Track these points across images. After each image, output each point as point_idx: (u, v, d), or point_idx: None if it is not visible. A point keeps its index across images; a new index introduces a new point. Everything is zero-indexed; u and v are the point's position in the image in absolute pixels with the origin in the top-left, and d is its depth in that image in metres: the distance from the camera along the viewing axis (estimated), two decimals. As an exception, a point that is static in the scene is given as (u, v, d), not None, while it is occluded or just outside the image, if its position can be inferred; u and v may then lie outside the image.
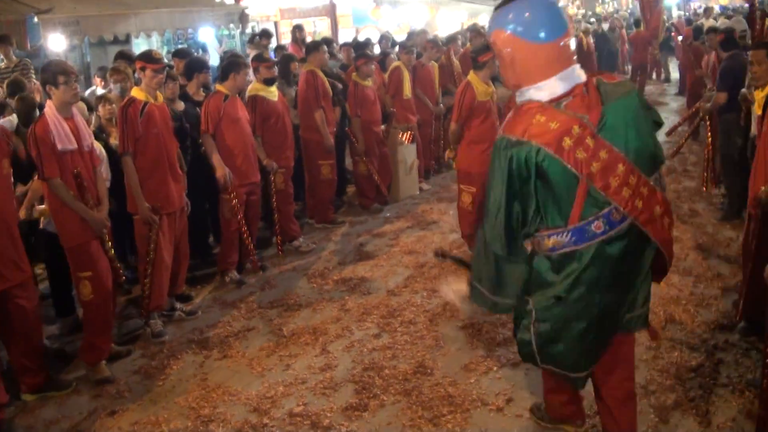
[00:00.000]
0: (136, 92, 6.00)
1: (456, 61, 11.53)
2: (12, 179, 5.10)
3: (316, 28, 19.09)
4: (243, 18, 15.16)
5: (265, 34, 12.01)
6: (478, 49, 7.25)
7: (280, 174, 7.77)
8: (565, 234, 3.32)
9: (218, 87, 7.10)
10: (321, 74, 8.63)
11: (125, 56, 8.54)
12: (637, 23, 19.88)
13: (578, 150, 3.19)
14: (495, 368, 5.07)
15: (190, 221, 6.53)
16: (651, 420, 4.29)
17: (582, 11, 27.15)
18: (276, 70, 8.00)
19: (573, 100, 3.31)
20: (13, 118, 6.57)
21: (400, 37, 14.84)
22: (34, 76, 9.45)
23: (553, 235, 3.35)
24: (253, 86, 7.69)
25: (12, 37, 9.89)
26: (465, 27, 17.61)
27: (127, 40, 13.13)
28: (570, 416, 4.09)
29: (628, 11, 29.60)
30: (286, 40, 15.14)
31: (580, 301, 3.37)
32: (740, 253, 5.83)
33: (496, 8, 3.49)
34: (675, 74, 19.63)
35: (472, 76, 7.02)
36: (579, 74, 3.39)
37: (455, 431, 4.38)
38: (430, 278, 6.83)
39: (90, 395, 5.26)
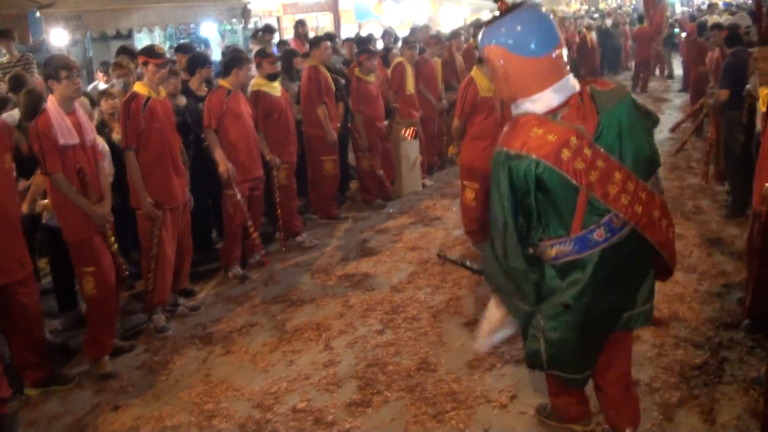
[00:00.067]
0: (138, 87, 6.00)
1: (459, 57, 11.51)
2: (15, 174, 5.09)
3: (319, 24, 19.04)
4: (245, 13, 15.10)
5: (268, 30, 12.00)
6: (481, 45, 7.23)
7: (283, 169, 7.76)
8: (567, 243, 3.35)
9: (221, 82, 7.08)
10: (324, 70, 8.61)
11: (127, 51, 8.52)
12: (640, 19, 19.90)
13: (577, 161, 3.23)
14: (499, 365, 5.06)
15: (192, 216, 6.53)
16: (655, 418, 4.28)
17: (585, 7, 27.11)
18: (279, 65, 7.98)
19: (569, 111, 3.34)
20: (15, 113, 6.56)
21: (402, 32, 14.80)
22: (36, 70, 9.43)
23: (556, 244, 3.38)
24: (256, 81, 7.66)
25: (14, 32, 9.85)
26: (468, 22, 17.57)
27: (130, 35, 13.13)
28: (577, 416, 4.08)
29: (632, 7, 29.56)
30: (289, 35, 15.11)
31: (586, 307, 3.41)
32: (745, 250, 5.81)
33: (487, 23, 3.53)
34: (678, 71, 19.56)
35: (475, 71, 6.99)
36: (573, 84, 3.41)
37: (459, 428, 4.37)
38: (433, 274, 6.82)
39: (93, 390, 5.26)
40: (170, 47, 13.67)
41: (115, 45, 11.06)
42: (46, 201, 5.72)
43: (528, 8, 3.41)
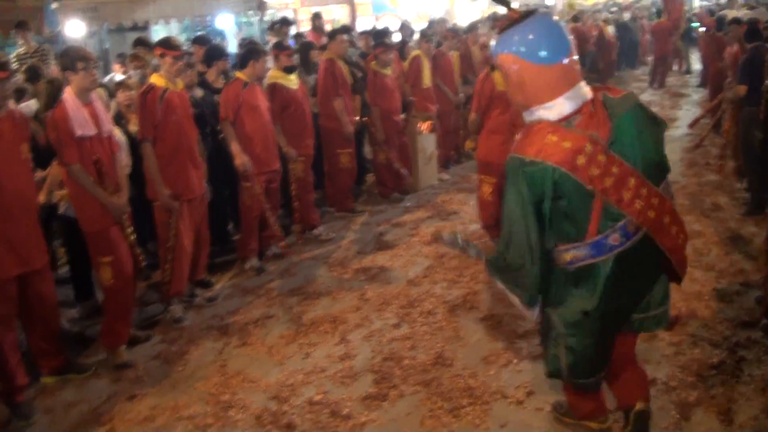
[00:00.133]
0: (155, 79, 6.00)
1: (476, 51, 11.47)
2: (32, 164, 5.10)
3: (335, 16, 19.01)
4: (262, 5, 15.15)
5: (286, 22, 11.97)
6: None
7: (300, 162, 7.75)
8: (583, 248, 3.40)
9: (237, 74, 7.08)
10: (340, 62, 8.59)
11: (143, 43, 8.54)
12: (658, 13, 19.73)
13: (591, 167, 3.27)
14: (515, 360, 5.03)
15: (209, 208, 6.53)
16: (672, 417, 4.25)
17: (603, 0, 26.92)
18: (296, 58, 7.96)
19: (582, 118, 3.38)
20: (32, 104, 6.58)
21: (419, 25, 14.76)
22: (52, 62, 9.46)
23: (571, 249, 3.43)
24: (273, 74, 7.65)
25: (30, 23, 9.90)
26: (485, 16, 17.50)
27: (146, 26, 13.17)
28: (592, 413, 4.05)
29: (650, 1, 29.35)
30: (305, 27, 15.10)
31: (603, 312, 3.47)
32: (763, 248, 5.75)
33: (500, 32, 3.56)
34: (696, 66, 19.43)
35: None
36: (585, 92, 3.44)
37: (475, 423, 4.35)
38: (450, 269, 6.79)
39: (109, 379, 5.29)
40: (187, 39, 13.66)
41: (132, 37, 11.10)
42: (62, 191, 5.74)
43: (540, 16, 3.46)
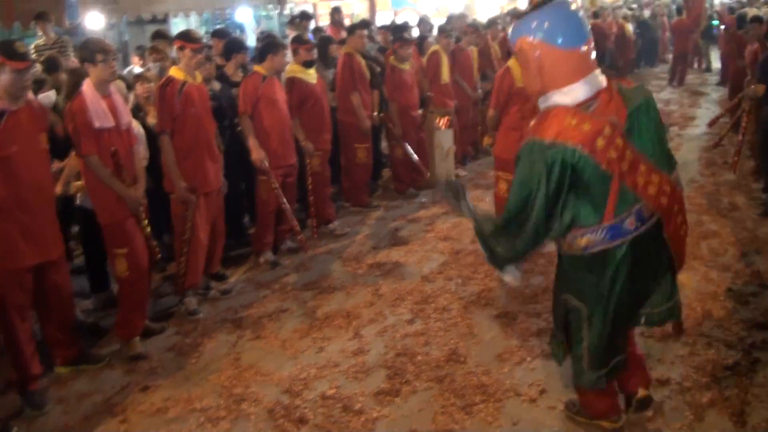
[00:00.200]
0: (174, 71, 6.01)
1: (495, 46, 11.43)
2: (49, 155, 5.13)
3: (354, 11, 18.98)
4: (281, -1, 15.15)
5: (305, 16, 11.96)
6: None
7: (317, 156, 7.75)
8: (599, 232, 3.47)
9: (256, 68, 7.08)
10: (359, 57, 8.59)
11: (162, 36, 8.56)
12: (679, 10, 19.63)
13: (610, 150, 3.35)
14: (529, 359, 5.01)
15: (225, 201, 6.54)
16: (686, 417, 4.21)
17: (623, -3, 26.78)
18: (315, 52, 7.96)
19: (599, 104, 3.46)
20: (51, 94, 6.62)
21: (438, 20, 14.72)
22: (72, 53, 9.49)
23: (587, 233, 3.50)
24: (291, 68, 7.64)
25: (50, 15, 9.92)
26: (504, 11, 17.43)
27: (165, 19, 13.18)
28: (606, 412, 4.04)
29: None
30: (324, 22, 15.09)
31: (620, 299, 3.58)
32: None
33: (518, 17, 3.67)
34: (716, 64, 19.28)
35: (512, 61, 6.91)
36: (601, 80, 3.54)
37: (487, 421, 4.34)
38: (465, 265, 6.77)
39: (123, 370, 5.31)
40: (206, 32, 13.70)
41: (151, 29, 11.12)
42: (79, 182, 5.77)
43: (560, 2, 3.52)
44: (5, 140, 4.56)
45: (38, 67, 7.08)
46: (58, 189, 5.68)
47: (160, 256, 5.78)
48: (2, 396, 4.97)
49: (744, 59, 10.37)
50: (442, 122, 9.71)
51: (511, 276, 3.80)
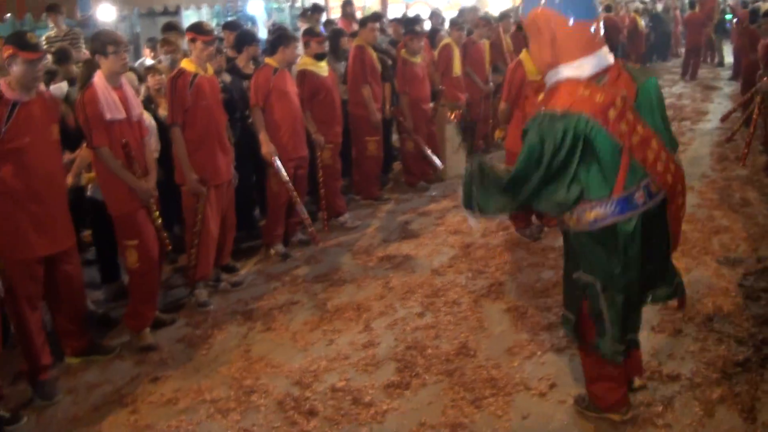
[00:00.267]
0: (186, 64, 6.01)
1: (507, 39, 11.39)
2: (61, 146, 5.14)
3: (366, 3, 18.95)
4: (292, -9, 15.16)
5: (317, 9, 11.96)
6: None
7: (328, 149, 7.75)
8: (609, 205, 3.52)
9: (267, 60, 7.07)
10: (370, 50, 8.57)
11: (173, 28, 8.55)
12: (691, 4, 19.49)
13: (621, 122, 3.42)
14: (539, 353, 5.00)
15: (236, 193, 6.54)
16: (696, 413, 4.19)
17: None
18: (327, 45, 7.94)
19: (609, 78, 3.53)
20: (63, 85, 6.63)
21: (450, 13, 14.69)
22: (83, 45, 9.51)
23: (596, 207, 3.54)
24: (303, 61, 7.63)
25: (62, 6, 9.94)
26: (517, 4, 17.38)
27: (177, 11, 13.19)
28: (615, 404, 4.04)
29: (684, -9, 29.04)
30: (336, 14, 15.08)
31: (631, 273, 3.64)
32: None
33: None
34: (729, 58, 19.18)
35: (524, 54, 6.89)
36: (609, 57, 3.62)
37: (497, 414, 4.33)
38: (475, 259, 6.76)
39: (133, 361, 5.33)
40: (217, 24, 13.71)
41: (162, 21, 11.12)
42: (90, 174, 5.78)
43: None
44: (17, 131, 4.57)
45: (49, 59, 7.10)
46: (69, 180, 5.69)
47: (170, 247, 5.77)
48: (13, 386, 4.99)
49: (757, 53, 10.31)
50: (453, 115, 9.69)
51: (474, 221, 3.97)
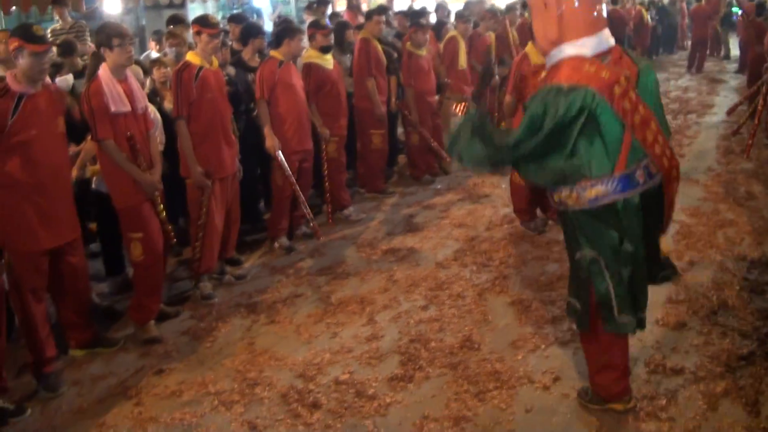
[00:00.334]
0: (191, 56, 6.01)
1: (513, 32, 11.36)
2: (66, 138, 5.15)
3: (371, -5, 18.91)
4: (298, -16, 15.13)
5: (322, 1, 11.92)
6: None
7: (333, 142, 7.74)
8: (610, 183, 3.57)
9: (272, 53, 7.06)
10: (375, 43, 8.55)
11: (179, 20, 8.54)
12: (698, -4, 19.45)
13: (625, 100, 3.49)
14: (543, 346, 5.00)
15: (241, 187, 6.54)
16: (699, 407, 4.18)
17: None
18: (332, 37, 7.94)
19: (612, 58, 3.60)
20: (68, 78, 6.64)
21: (456, 6, 14.64)
22: (89, 38, 9.50)
23: (597, 184, 3.58)
24: (309, 53, 7.62)
25: (67, -1, 9.94)
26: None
27: (182, 4, 13.16)
28: (618, 394, 4.05)
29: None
30: (341, 7, 15.05)
31: (635, 246, 3.68)
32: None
33: None
34: (735, 51, 19.11)
35: (530, 47, 6.88)
36: (611, 39, 3.69)
37: (500, 407, 4.33)
38: (479, 252, 6.76)
39: (138, 353, 5.34)
40: (223, 17, 13.69)
41: (168, 14, 11.07)
42: (95, 166, 5.79)
43: None
44: (23, 124, 4.58)
45: (54, 51, 7.10)
46: (74, 173, 5.70)
47: (175, 240, 5.78)
48: (17, 378, 5.01)
49: (763, 46, 10.29)
50: (458, 108, 9.67)
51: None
